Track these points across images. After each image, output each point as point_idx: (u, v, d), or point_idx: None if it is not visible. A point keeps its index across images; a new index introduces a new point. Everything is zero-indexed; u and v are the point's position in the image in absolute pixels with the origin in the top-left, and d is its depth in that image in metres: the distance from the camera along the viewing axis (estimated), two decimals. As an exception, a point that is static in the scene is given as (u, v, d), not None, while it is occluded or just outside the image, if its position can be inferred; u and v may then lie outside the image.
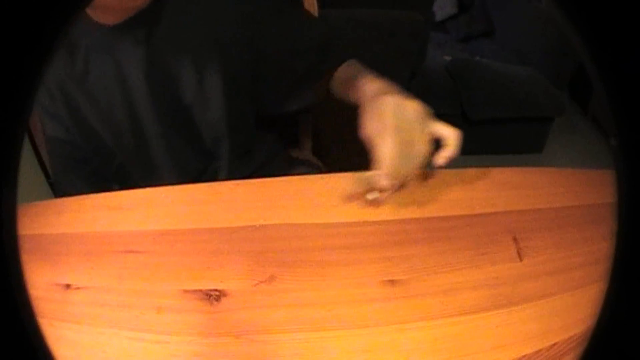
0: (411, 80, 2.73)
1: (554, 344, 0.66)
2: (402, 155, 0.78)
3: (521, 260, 0.79)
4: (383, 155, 0.78)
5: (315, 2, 1.36)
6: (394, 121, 0.79)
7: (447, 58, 3.18)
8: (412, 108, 0.81)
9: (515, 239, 0.82)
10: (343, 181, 0.92)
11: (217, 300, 0.68)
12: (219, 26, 0.98)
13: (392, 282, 0.72)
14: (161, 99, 1.00)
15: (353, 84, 0.99)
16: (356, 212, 0.86)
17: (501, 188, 0.94)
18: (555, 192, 0.96)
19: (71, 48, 0.95)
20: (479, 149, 3.04)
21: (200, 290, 0.69)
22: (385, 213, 0.86)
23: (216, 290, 0.69)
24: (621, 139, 0.27)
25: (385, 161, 0.78)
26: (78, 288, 0.69)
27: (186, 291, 0.70)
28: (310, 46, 1.10)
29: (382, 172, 0.79)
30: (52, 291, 0.71)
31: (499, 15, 3.69)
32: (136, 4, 0.89)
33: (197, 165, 1.14)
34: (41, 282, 0.72)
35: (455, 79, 2.95)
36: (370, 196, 0.86)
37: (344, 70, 1.10)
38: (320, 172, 1.41)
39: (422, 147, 0.80)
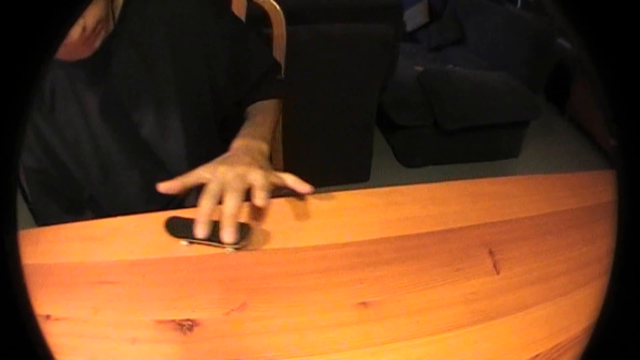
0: (382, 93, 2.72)
1: (537, 355, 0.66)
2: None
3: (498, 273, 0.79)
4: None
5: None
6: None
7: (419, 68, 3.17)
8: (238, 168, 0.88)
9: (490, 252, 0.82)
10: (310, 203, 0.92)
11: (190, 330, 0.67)
12: (177, 59, 1.00)
13: (364, 304, 0.72)
14: (120, 132, 1.02)
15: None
16: (326, 235, 0.85)
17: (474, 200, 0.94)
18: (531, 200, 0.96)
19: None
20: (453, 158, 3.05)
21: (173, 321, 0.68)
22: (355, 234, 0.85)
23: (189, 320, 0.68)
24: (621, 139, 0.27)
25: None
26: (57, 319, 0.68)
27: (159, 321, 0.68)
28: (254, 74, 1.17)
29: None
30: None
31: (470, 22, 3.71)
32: (83, 55, 0.91)
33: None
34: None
35: (427, 89, 2.93)
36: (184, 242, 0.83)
37: (254, 107, 1.18)
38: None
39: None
